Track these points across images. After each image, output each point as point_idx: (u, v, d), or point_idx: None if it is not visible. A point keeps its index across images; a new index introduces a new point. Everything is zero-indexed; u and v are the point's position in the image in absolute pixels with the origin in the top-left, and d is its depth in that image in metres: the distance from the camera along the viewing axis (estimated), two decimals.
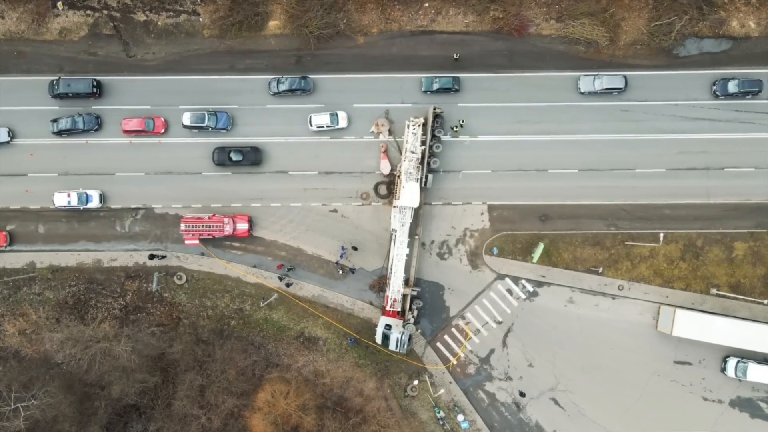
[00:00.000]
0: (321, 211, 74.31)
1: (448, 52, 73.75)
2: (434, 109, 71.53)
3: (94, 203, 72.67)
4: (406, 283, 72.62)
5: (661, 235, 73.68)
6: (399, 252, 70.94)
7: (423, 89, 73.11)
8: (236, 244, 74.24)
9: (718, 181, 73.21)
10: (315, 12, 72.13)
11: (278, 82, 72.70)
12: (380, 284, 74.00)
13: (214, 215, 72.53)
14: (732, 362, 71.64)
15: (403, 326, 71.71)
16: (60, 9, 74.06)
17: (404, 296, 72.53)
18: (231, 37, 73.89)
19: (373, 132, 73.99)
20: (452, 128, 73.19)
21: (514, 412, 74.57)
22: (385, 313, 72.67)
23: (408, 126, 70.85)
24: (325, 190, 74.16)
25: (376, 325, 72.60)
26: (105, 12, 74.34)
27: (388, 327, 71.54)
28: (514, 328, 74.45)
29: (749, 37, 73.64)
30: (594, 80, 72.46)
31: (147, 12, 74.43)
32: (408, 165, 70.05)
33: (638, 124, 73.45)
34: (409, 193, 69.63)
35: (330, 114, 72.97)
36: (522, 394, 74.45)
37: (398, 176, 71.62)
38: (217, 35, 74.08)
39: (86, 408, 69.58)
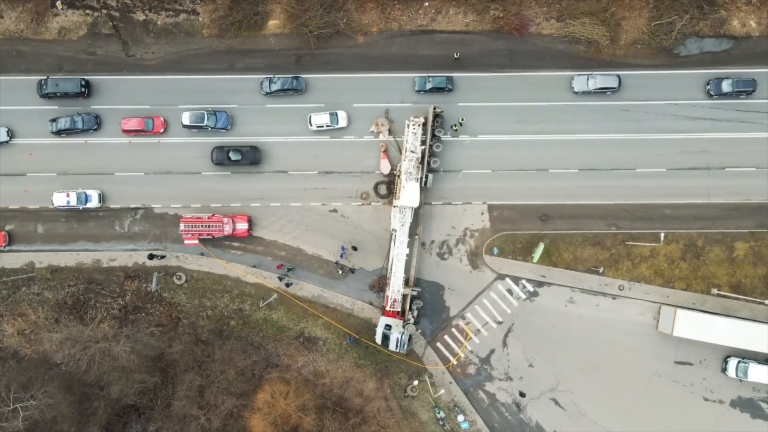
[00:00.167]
0: (321, 211, 74.17)
1: (449, 51, 73.62)
2: (434, 108, 71.40)
3: (93, 203, 72.51)
4: (406, 283, 72.48)
5: (662, 234, 73.55)
6: (399, 252, 70.80)
7: (416, 89, 73.00)
8: (236, 244, 74.10)
9: (719, 180, 73.07)
10: (315, 11, 71.98)
11: (270, 81, 72.54)
12: (380, 284, 73.87)
13: (213, 215, 72.39)
14: (733, 362, 71.51)
15: (403, 326, 71.57)
16: (59, 8, 73.90)
17: (404, 296, 72.39)
18: (230, 37, 73.73)
19: (372, 131, 73.85)
20: (452, 127, 73.05)
21: (515, 413, 74.43)
22: (385, 313, 72.53)
23: (408, 125, 70.71)
24: (325, 189, 74.01)
25: (376, 325, 72.47)
26: (104, 11, 74.19)
27: (388, 327, 71.40)
28: (514, 329, 74.31)
29: (750, 36, 73.51)
30: (587, 80, 72.32)
31: (146, 11, 74.28)
32: (408, 165, 69.90)
33: (639, 123, 73.33)
34: (409, 193, 69.49)
35: (330, 113, 72.83)
36: (522, 395, 74.32)
37: (398, 176, 71.48)
38: (217, 35, 73.92)
39: (85, 408, 69.44)
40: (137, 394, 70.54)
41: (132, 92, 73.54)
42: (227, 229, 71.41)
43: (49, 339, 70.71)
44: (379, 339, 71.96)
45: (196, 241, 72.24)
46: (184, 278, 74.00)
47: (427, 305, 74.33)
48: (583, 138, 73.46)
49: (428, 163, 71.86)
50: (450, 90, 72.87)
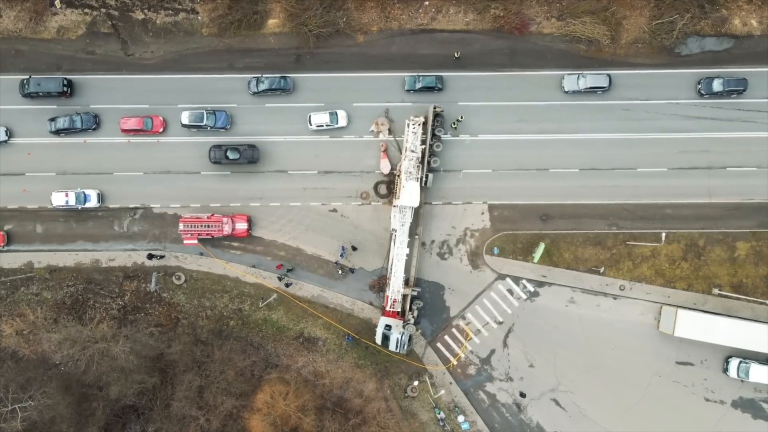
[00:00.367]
0: (320, 211, 73.97)
1: (449, 50, 73.41)
2: (434, 107, 71.19)
3: (92, 203, 72.28)
4: (406, 283, 72.27)
5: (663, 234, 73.36)
6: (399, 252, 70.60)
7: (406, 88, 72.78)
8: (235, 244, 73.89)
9: (720, 180, 72.87)
10: (314, 10, 71.79)
11: (258, 81, 72.30)
12: (380, 284, 73.67)
13: (212, 215, 72.19)
14: (734, 363, 71.34)
15: (403, 326, 71.37)
16: (58, 7, 73.69)
17: (404, 296, 72.20)
18: (230, 36, 73.53)
19: (372, 131, 73.63)
20: (452, 125, 72.84)
21: (515, 413, 74.23)
22: (385, 313, 72.33)
23: (408, 125, 70.52)
24: (325, 189, 73.80)
25: (375, 326, 72.27)
26: (103, 10, 73.97)
27: (388, 327, 71.20)
28: (514, 329, 74.11)
29: (751, 35, 73.33)
30: (578, 79, 72.09)
31: (145, 10, 74.06)
32: (408, 164, 69.69)
33: (639, 123, 73.14)
34: (409, 193, 69.29)
35: (329, 113, 72.63)
36: (523, 395, 74.14)
37: (398, 175, 71.27)
38: (216, 34, 73.71)
39: (84, 409, 69.26)
40: (136, 394, 70.33)
41: (131, 91, 73.32)
42: (226, 229, 71.21)
43: (47, 339, 70.51)
44: (379, 339, 71.76)
45: (196, 241, 72.07)
46: (183, 278, 73.80)
47: (428, 305, 74.12)
48: (584, 137, 73.27)
49: (428, 162, 71.65)
50: (440, 89, 72.69)
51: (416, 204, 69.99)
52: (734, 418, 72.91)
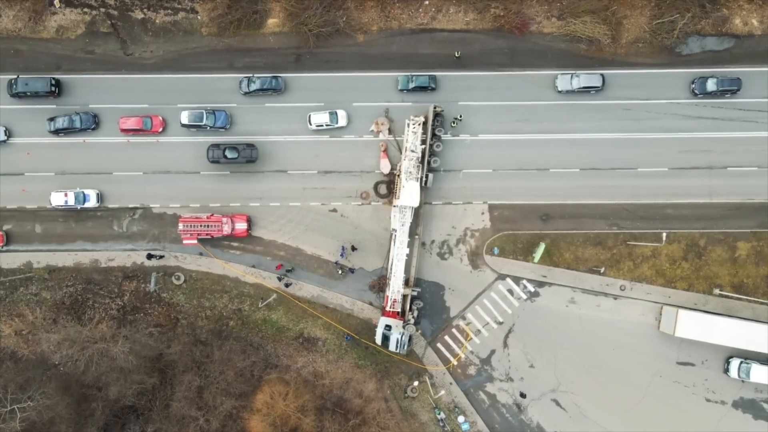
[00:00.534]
0: (320, 211, 73.82)
1: (449, 50, 73.27)
2: (434, 107, 71.04)
3: (92, 203, 72.13)
4: (406, 283, 72.13)
5: (664, 234, 73.22)
6: (399, 252, 70.46)
7: (399, 88, 72.67)
8: (235, 244, 73.74)
9: (721, 180, 72.73)
10: (314, 10, 71.64)
11: (249, 81, 72.14)
12: (380, 284, 73.53)
13: (212, 215, 72.04)
14: (735, 363, 71.21)
15: (403, 327, 71.24)
16: (57, 7, 73.53)
17: (404, 296, 72.07)
18: (229, 35, 73.37)
19: (372, 131, 73.49)
20: (452, 124, 72.70)
21: (515, 414, 74.09)
22: (384, 313, 72.19)
23: (408, 125, 70.38)
24: (325, 189, 73.65)
25: (375, 326, 72.13)
26: (102, 10, 73.81)
27: (388, 327, 71.06)
28: (515, 329, 73.97)
29: (752, 35, 73.18)
30: (571, 79, 71.94)
31: (145, 10, 73.90)
32: (408, 164, 69.54)
33: (640, 122, 73.01)
34: (409, 193, 69.15)
35: (329, 113, 72.49)
36: (523, 395, 74.01)
37: (398, 175, 71.12)
38: (216, 33, 73.56)
39: (83, 409, 69.15)
40: (135, 395, 70.20)
41: (130, 91, 73.17)
42: (226, 229, 71.06)
43: (46, 339, 70.42)
44: (379, 339, 71.62)
45: (195, 241, 71.93)
46: (182, 278, 73.65)
47: (428, 305, 73.98)
48: (584, 137, 73.12)
49: (428, 162, 71.51)
50: (433, 89, 72.54)
51: (416, 204, 69.84)
52: (735, 418, 72.78)
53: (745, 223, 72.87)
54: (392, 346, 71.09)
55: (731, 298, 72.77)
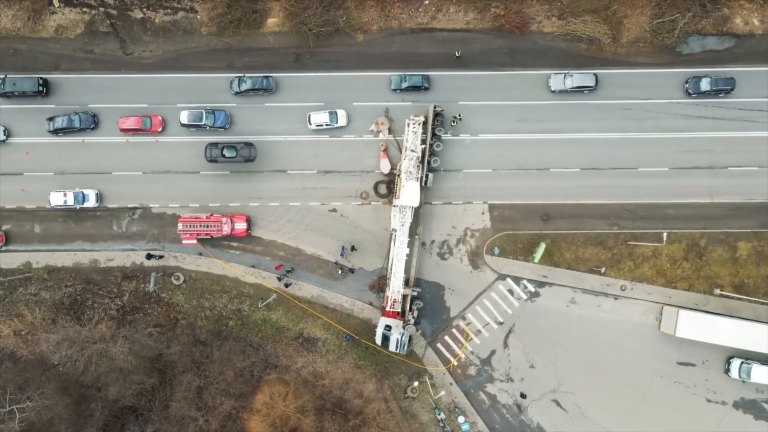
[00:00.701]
0: (320, 211, 73.69)
1: (449, 49, 73.15)
2: (434, 107, 70.92)
3: (91, 203, 72.02)
4: (406, 283, 72.00)
5: (664, 234, 73.09)
6: (399, 252, 70.32)
7: (392, 87, 72.50)
8: (234, 244, 73.60)
9: (722, 180, 72.60)
10: (314, 9, 71.52)
11: (240, 81, 71.95)
12: (380, 284, 73.40)
13: (211, 215, 71.91)
14: (736, 363, 71.09)
15: (403, 327, 71.11)
16: (56, 6, 73.40)
17: (404, 297, 71.94)
18: (229, 35, 73.25)
19: (372, 130, 73.36)
20: (451, 123, 72.58)
21: (516, 414, 73.96)
22: (384, 313, 72.05)
23: (408, 124, 70.26)
24: (324, 189, 73.52)
25: (375, 326, 71.98)
26: (101, 9, 73.69)
27: (388, 328, 70.92)
28: (515, 329, 73.84)
29: (753, 34, 73.07)
30: (564, 78, 71.78)
31: (144, 9, 73.77)
32: (408, 164, 69.40)
33: (640, 122, 72.91)
34: (409, 193, 69.01)
35: (329, 112, 72.36)
36: (523, 396, 73.89)
37: (398, 175, 70.99)
38: (215, 33, 73.43)
39: (82, 410, 69.00)
40: (135, 395, 70.07)
41: (129, 91, 73.06)
42: (226, 229, 70.92)
43: (46, 340, 70.22)
44: (379, 340, 71.50)
45: (195, 241, 71.82)
46: (182, 278, 73.51)
47: (428, 306, 73.84)
48: (585, 137, 73.01)
49: (428, 162, 71.39)
50: (426, 88, 72.42)
51: (416, 204, 69.70)
52: (736, 418, 72.66)
53: (746, 223, 72.74)
54: (392, 347, 70.95)
55: (732, 298, 72.65)
